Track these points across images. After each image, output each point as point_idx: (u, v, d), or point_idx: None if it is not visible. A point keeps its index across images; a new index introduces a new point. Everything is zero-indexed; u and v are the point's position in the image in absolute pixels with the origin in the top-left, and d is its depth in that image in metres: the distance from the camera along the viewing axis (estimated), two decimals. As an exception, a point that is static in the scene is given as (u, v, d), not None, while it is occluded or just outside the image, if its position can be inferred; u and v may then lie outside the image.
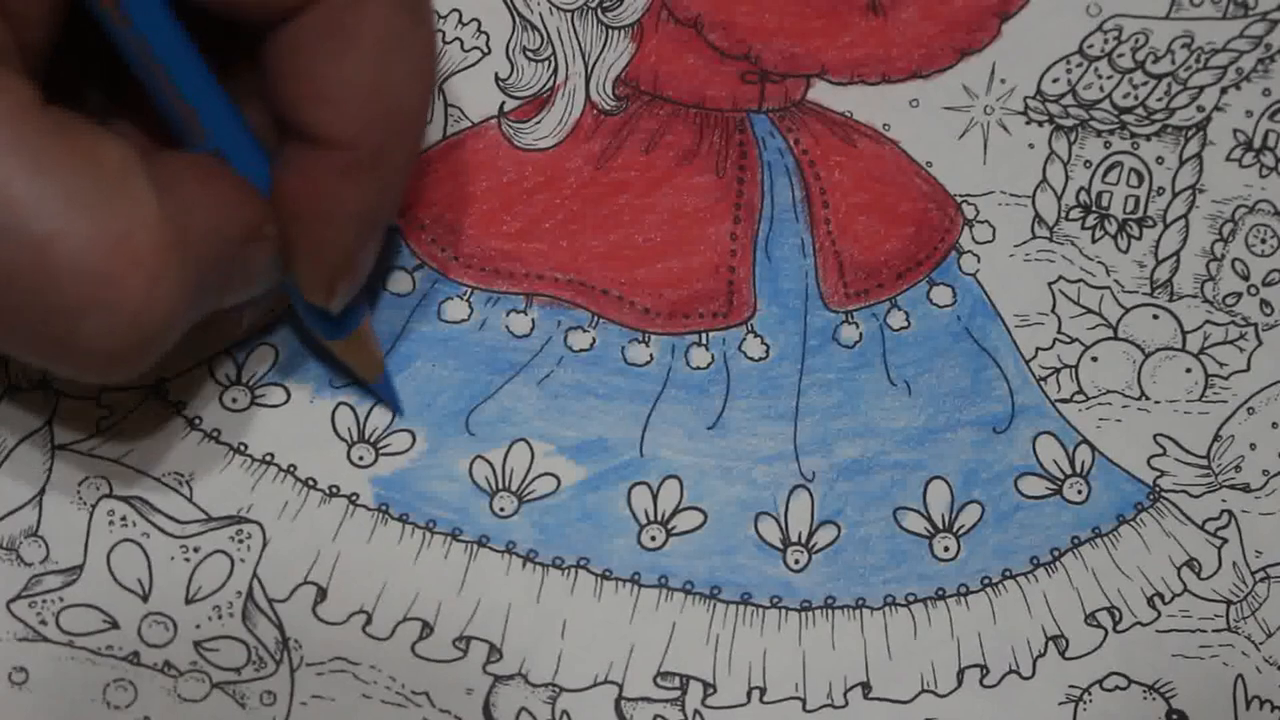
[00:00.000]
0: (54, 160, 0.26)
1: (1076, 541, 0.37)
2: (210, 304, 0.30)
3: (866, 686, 0.36)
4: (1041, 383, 0.38)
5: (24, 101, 0.27)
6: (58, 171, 0.26)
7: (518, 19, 0.39)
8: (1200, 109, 0.40)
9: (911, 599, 0.36)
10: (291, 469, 0.36)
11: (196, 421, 0.36)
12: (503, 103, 0.38)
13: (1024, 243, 0.39)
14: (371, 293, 0.36)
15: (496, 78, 0.39)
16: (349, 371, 0.36)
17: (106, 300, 0.27)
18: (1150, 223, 0.39)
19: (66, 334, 0.27)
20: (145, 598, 0.34)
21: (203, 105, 0.30)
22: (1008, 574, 0.37)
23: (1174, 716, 0.36)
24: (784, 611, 0.36)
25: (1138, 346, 0.38)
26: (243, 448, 0.36)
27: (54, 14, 0.29)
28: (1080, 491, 0.37)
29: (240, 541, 0.35)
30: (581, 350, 0.37)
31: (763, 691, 0.36)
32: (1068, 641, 0.36)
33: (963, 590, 0.36)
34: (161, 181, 0.28)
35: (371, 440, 0.36)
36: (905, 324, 0.38)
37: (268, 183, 0.31)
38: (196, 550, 0.35)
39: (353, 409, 0.36)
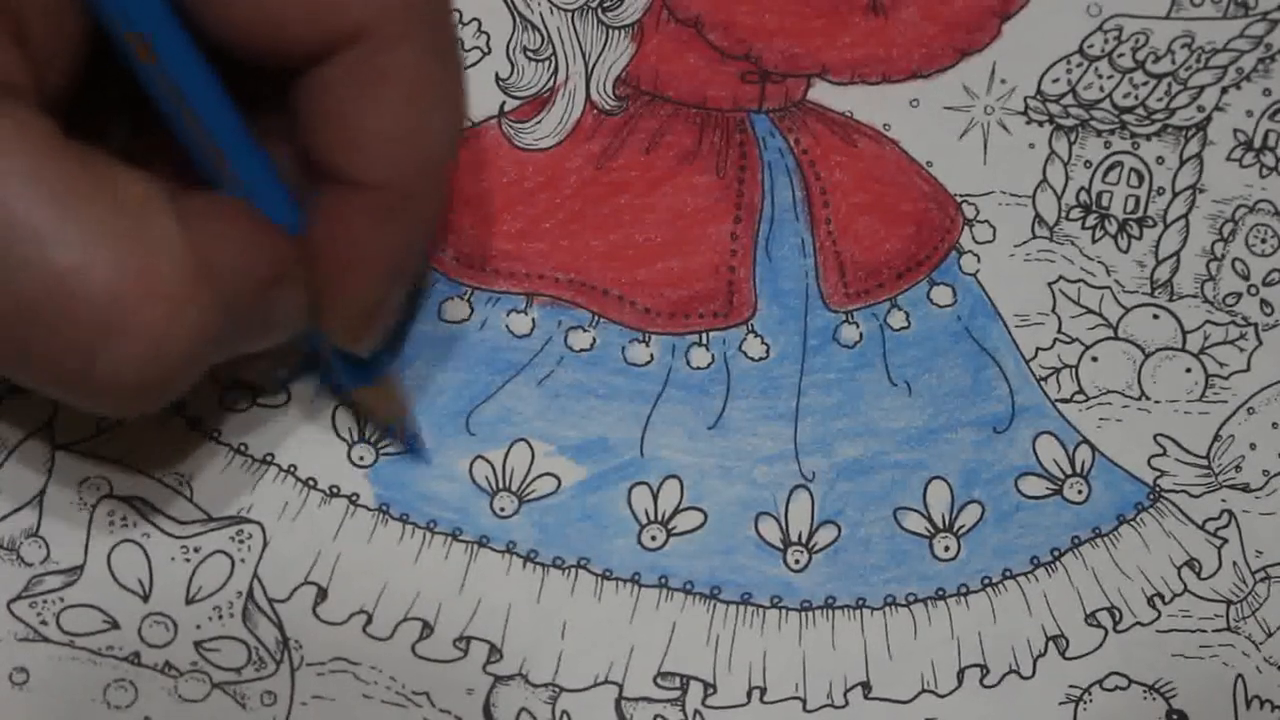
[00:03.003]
0: (75, 191, 0.26)
1: (1077, 541, 0.37)
2: (234, 347, 0.30)
3: (867, 686, 0.36)
4: (1042, 383, 0.38)
5: (45, 135, 0.27)
6: (79, 203, 0.26)
7: (518, 19, 0.39)
8: (1200, 109, 0.40)
9: (912, 599, 0.36)
10: (292, 469, 0.36)
11: (197, 421, 0.36)
12: (503, 103, 0.38)
13: (1024, 243, 0.39)
14: (399, 339, 0.36)
15: (497, 77, 0.39)
16: (373, 420, 0.36)
17: (127, 329, 0.27)
18: (1150, 223, 0.39)
19: (85, 366, 0.27)
20: (146, 598, 0.34)
21: (230, 147, 0.30)
22: (1008, 574, 0.37)
23: (1174, 716, 0.36)
24: (784, 611, 0.36)
25: (1138, 346, 0.38)
26: (243, 448, 0.36)
27: (77, 50, 0.28)
28: (1080, 491, 0.37)
29: (241, 542, 0.35)
30: (582, 350, 0.37)
31: (763, 691, 0.36)
32: (1068, 641, 0.36)
33: (963, 590, 0.36)
34: (186, 217, 0.28)
35: (372, 440, 0.36)
36: (905, 324, 0.38)
37: (293, 227, 0.31)
38: (197, 550, 0.35)
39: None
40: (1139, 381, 0.38)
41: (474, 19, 0.39)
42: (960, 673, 0.36)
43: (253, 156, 0.30)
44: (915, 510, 0.37)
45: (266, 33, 0.28)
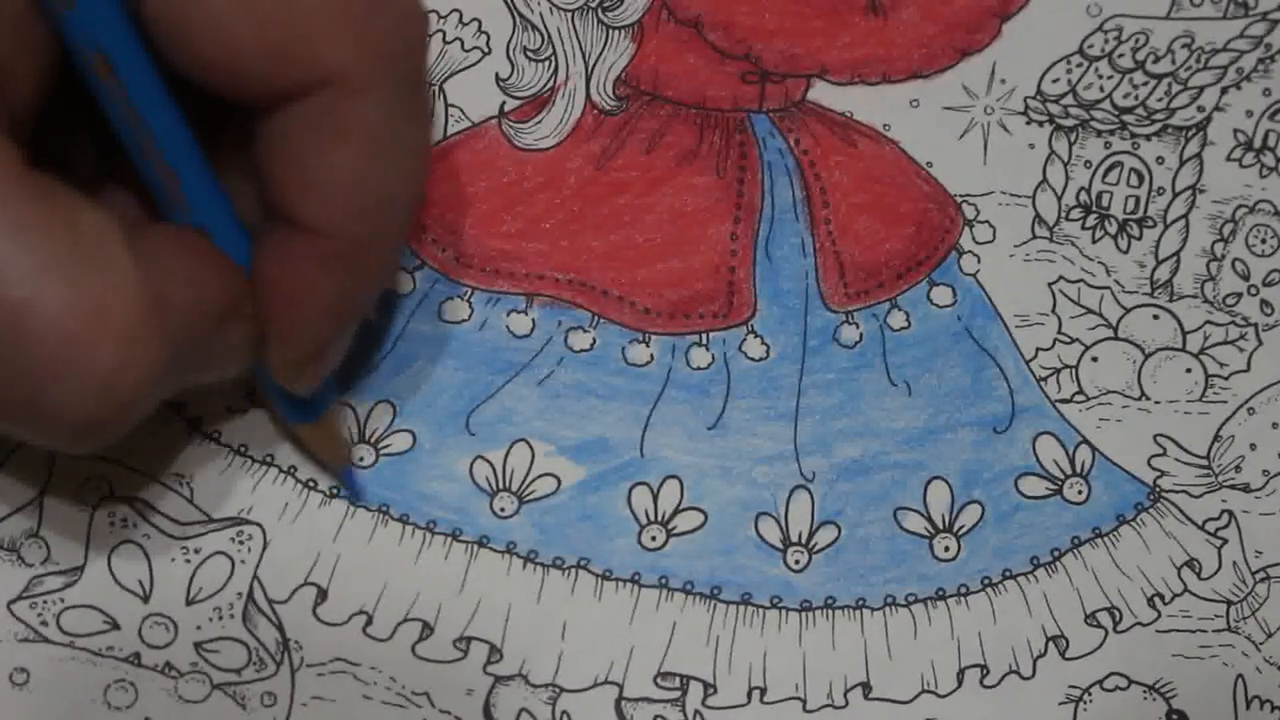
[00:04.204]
0: (30, 223, 0.26)
1: (1077, 541, 0.37)
2: (183, 381, 0.30)
3: (867, 687, 0.36)
4: (1042, 383, 0.38)
5: (4, 162, 0.26)
6: (33, 235, 0.26)
7: (518, 19, 0.39)
8: (1200, 109, 0.40)
9: (911, 599, 0.36)
10: (292, 470, 0.36)
11: (197, 423, 0.36)
12: (503, 103, 0.38)
13: (1024, 243, 0.39)
14: (342, 381, 0.36)
15: (497, 78, 0.39)
16: (314, 457, 0.36)
17: (78, 366, 0.26)
18: (1150, 223, 0.39)
19: (35, 399, 0.27)
20: (146, 599, 0.34)
21: (186, 177, 0.30)
22: (1008, 574, 0.37)
23: (1174, 717, 0.36)
24: (784, 612, 0.36)
25: (1138, 347, 0.38)
26: (243, 449, 0.36)
27: (42, 76, 0.28)
28: (1080, 492, 0.37)
29: (241, 543, 0.35)
30: (582, 350, 0.37)
31: (763, 692, 0.36)
32: (1068, 641, 0.36)
33: (963, 590, 0.37)
34: (142, 251, 0.27)
35: (371, 441, 0.36)
36: (905, 324, 0.38)
37: (246, 261, 0.31)
38: (197, 551, 0.35)
39: (353, 409, 0.36)
40: (1139, 382, 0.38)
41: (474, 19, 0.39)
42: (960, 673, 0.36)
43: (208, 188, 0.30)
44: (915, 510, 0.37)
45: (231, 72, 0.28)
